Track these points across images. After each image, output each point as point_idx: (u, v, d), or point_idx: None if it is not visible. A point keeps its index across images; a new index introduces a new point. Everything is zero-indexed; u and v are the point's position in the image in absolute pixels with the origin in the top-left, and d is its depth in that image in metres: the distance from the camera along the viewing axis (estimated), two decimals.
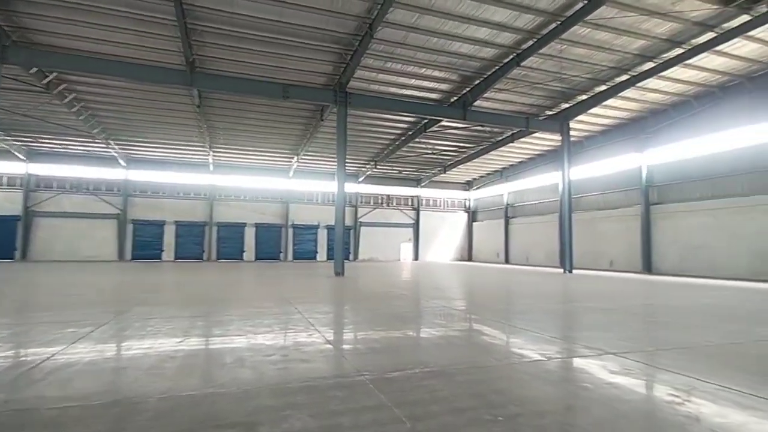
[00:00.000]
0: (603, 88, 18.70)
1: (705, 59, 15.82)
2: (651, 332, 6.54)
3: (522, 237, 32.25)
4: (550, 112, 21.62)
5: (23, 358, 4.33)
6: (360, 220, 35.59)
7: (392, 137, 25.59)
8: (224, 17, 13.37)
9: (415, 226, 37.25)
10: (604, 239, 24.55)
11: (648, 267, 21.48)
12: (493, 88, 17.89)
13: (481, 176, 36.46)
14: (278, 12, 13.19)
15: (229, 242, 31.89)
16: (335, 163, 17.80)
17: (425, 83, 18.36)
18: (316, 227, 34.12)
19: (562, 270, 21.44)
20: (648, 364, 4.25)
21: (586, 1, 12.76)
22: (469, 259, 38.29)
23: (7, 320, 6.40)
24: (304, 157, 29.06)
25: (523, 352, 4.75)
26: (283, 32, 14.24)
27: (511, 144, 25.81)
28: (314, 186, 34.27)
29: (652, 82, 17.73)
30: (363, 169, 32.77)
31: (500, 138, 25.87)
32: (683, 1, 12.64)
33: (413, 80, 18.02)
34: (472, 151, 28.78)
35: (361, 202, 35.89)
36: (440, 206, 38.57)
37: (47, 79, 16.76)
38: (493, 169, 34.20)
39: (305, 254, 33.67)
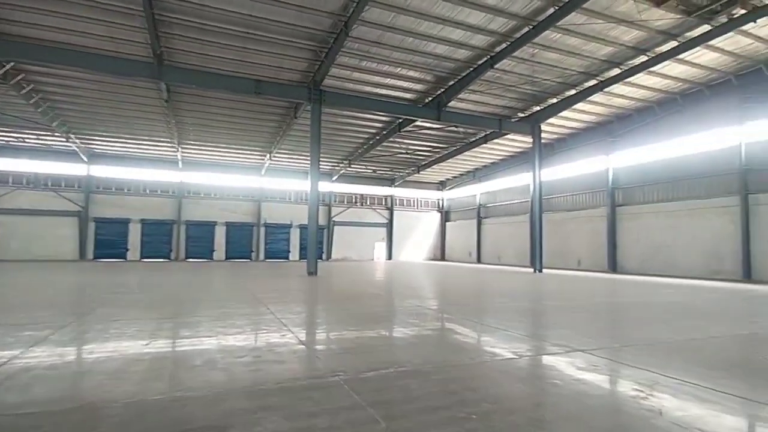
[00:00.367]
0: (573, 92, 19.30)
1: (668, 67, 16.60)
2: (616, 329, 6.80)
3: (494, 237, 32.87)
4: (522, 115, 22.12)
5: None
6: (333, 219, 35.39)
7: (366, 136, 25.56)
8: (194, 9, 12.99)
9: (389, 225, 37.35)
10: (573, 239, 25.32)
11: (613, 266, 22.30)
12: (467, 89, 18.16)
13: (455, 177, 36.93)
14: (249, 6, 12.92)
15: (199, 241, 31.03)
16: (309, 162, 17.63)
17: (400, 83, 18.42)
18: (289, 226, 33.69)
19: (532, 269, 21.95)
20: (613, 360, 4.40)
21: (557, 7, 13.12)
22: (442, 258, 38.71)
23: None
24: (277, 154, 28.63)
25: (495, 351, 4.83)
26: (255, 27, 13.97)
27: (484, 145, 26.25)
28: (287, 184, 33.80)
29: (618, 88, 18.44)
30: (337, 167, 32.60)
31: (473, 139, 26.28)
32: (649, 10, 13.17)
33: (388, 79, 18.06)
34: (446, 152, 29.11)
35: (335, 201, 35.71)
36: (414, 206, 38.82)
37: (3, 69, 15.82)
38: (467, 170, 34.70)
39: (278, 254, 33.20)
